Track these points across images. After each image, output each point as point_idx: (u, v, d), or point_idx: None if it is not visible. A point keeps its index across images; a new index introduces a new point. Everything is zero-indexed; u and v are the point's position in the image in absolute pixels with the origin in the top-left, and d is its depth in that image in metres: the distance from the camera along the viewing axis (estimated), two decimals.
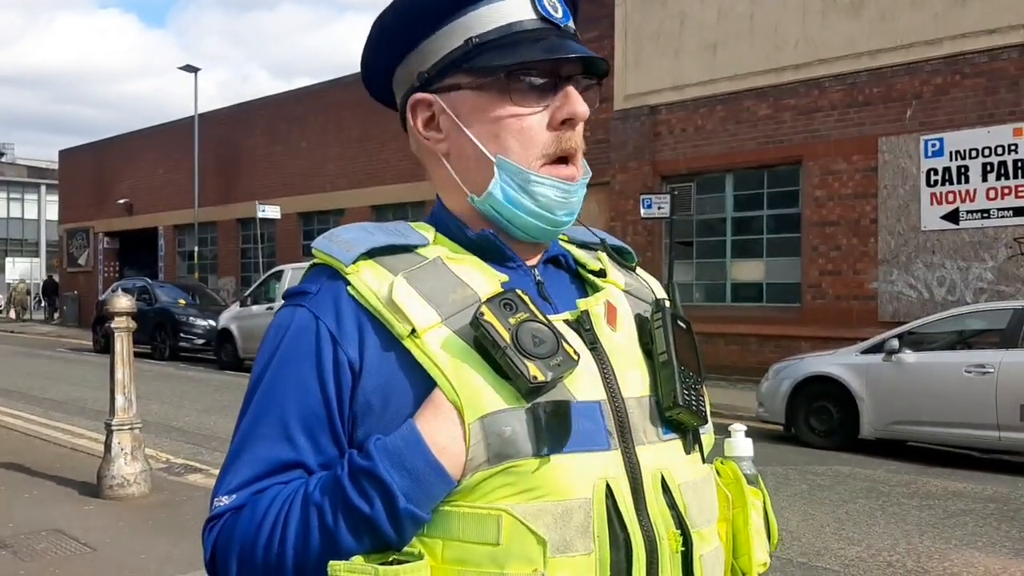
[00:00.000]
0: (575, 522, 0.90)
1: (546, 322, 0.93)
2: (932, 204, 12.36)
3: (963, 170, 12.10)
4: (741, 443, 1.29)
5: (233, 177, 25.64)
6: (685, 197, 13.90)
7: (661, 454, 0.98)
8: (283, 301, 1.03)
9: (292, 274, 15.52)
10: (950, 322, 8.82)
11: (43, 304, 38.52)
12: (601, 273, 1.10)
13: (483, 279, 0.98)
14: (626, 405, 0.97)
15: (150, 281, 21.26)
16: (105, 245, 31.17)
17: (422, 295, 0.95)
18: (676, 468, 0.99)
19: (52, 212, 51.74)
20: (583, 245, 1.16)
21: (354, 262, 0.97)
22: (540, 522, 0.88)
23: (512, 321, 0.91)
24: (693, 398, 1.00)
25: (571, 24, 1.05)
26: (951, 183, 12.21)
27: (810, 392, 9.07)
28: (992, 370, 7.77)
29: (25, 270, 44.48)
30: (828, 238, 13.39)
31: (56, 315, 34.46)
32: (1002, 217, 11.82)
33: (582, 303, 1.03)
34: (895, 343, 8.47)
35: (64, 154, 34.58)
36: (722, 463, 1.15)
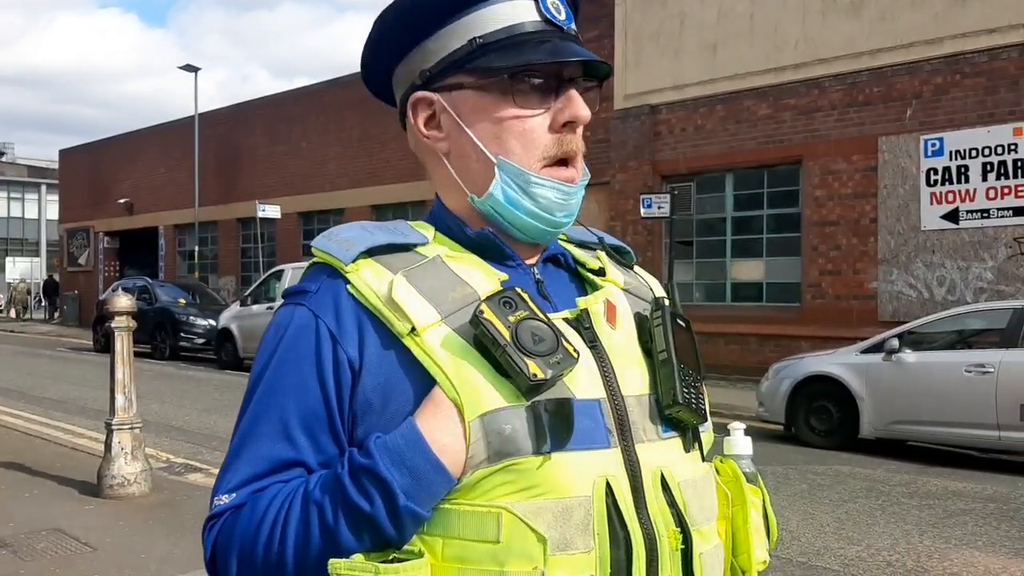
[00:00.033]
0: (575, 520, 0.90)
1: (546, 320, 0.94)
2: (932, 204, 12.36)
3: (963, 170, 12.10)
4: (740, 441, 1.30)
5: (233, 177, 25.64)
6: (685, 197, 13.90)
7: (661, 452, 0.99)
8: (283, 300, 1.03)
9: (292, 273, 15.52)
10: (950, 322, 8.82)
11: (43, 304, 38.52)
12: (600, 272, 1.11)
13: (483, 277, 0.99)
14: (626, 403, 0.97)
15: (150, 280, 21.28)
16: (105, 245, 31.18)
17: (422, 293, 0.95)
18: (676, 466, 0.99)
19: (52, 212, 51.78)
20: (582, 244, 1.16)
21: (354, 261, 0.97)
22: (540, 520, 0.89)
23: (512, 319, 0.91)
24: (693, 396, 1.00)
25: (573, 26, 1.05)
26: (951, 183, 12.21)
27: (810, 392, 9.07)
28: (992, 370, 7.77)
29: (25, 269, 44.54)
30: (828, 238, 13.39)
31: (56, 315, 34.47)
32: (1002, 217, 11.82)
33: (582, 301, 1.03)
34: (895, 343, 8.47)
35: (64, 154, 34.58)
36: (721, 461, 1.15)
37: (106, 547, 4.98)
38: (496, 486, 0.89)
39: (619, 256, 1.16)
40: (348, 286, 0.97)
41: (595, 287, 1.08)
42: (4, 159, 64.28)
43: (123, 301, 6.13)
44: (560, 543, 0.89)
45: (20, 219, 62.32)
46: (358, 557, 0.87)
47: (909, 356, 8.38)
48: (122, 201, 29.78)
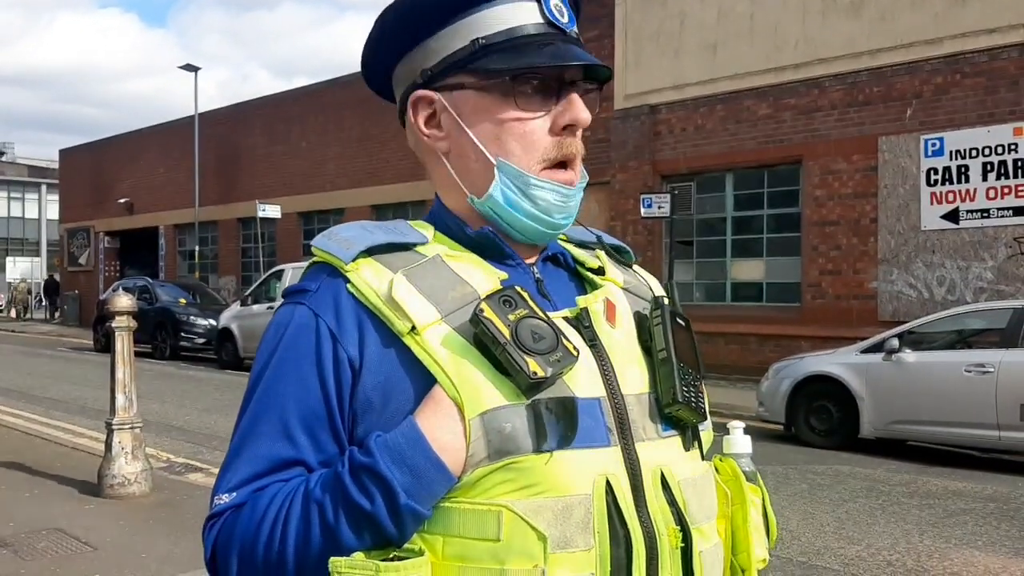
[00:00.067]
0: (575, 518, 0.90)
1: (545, 319, 0.94)
2: (932, 204, 12.35)
3: (963, 169, 12.10)
4: (739, 440, 1.30)
5: (233, 176, 25.65)
6: (685, 196, 13.90)
7: (660, 451, 0.99)
8: (283, 299, 1.04)
9: (292, 273, 15.53)
10: (950, 322, 8.82)
11: (44, 303, 38.53)
12: (600, 271, 1.11)
13: (482, 276, 0.99)
14: (625, 402, 0.98)
15: (151, 280, 21.29)
16: (106, 244, 31.18)
17: (422, 292, 0.95)
18: (675, 465, 1.00)
19: (53, 211, 51.78)
20: (581, 244, 1.16)
21: (353, 260, 0.97)
22: (540, 518, 0.89)
23: (511, 318, 0.91)
24: (692, 395, 1.01)
25: (575, 29, 1.05)
26: (951, 182, 12.21)
27: (810, 391, 9.07)
28: (992, 369, 7.77)
29: (26, 269, 44.53)
30: (828, 237, 13.39)
31: (57, 314, 34.47)
32: (1002, 217, 11.82)
33: (581, 300, 1.03)
34: (895, 342, 8.47)
35: (64, 153, 34.58)
36: (721, 460, 1.15)
37: (106, 547, 4.98)
38: (496, 484, 0.89)
39: (618, 255, 1.17)
40: (348, 285, 0.97)
41: (595, 286, 1.08)
42: (4, 159, 64.28)
43: (123, 301, 6.13)
44: (560, 541, 0.89)
45: (20, 219, 62.33)
46: (359, 555, 0.87)
47: (909, 356, 8.38)
48: (122, 201, 29.79)
